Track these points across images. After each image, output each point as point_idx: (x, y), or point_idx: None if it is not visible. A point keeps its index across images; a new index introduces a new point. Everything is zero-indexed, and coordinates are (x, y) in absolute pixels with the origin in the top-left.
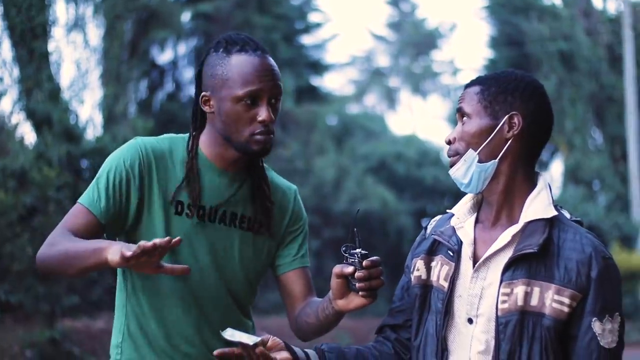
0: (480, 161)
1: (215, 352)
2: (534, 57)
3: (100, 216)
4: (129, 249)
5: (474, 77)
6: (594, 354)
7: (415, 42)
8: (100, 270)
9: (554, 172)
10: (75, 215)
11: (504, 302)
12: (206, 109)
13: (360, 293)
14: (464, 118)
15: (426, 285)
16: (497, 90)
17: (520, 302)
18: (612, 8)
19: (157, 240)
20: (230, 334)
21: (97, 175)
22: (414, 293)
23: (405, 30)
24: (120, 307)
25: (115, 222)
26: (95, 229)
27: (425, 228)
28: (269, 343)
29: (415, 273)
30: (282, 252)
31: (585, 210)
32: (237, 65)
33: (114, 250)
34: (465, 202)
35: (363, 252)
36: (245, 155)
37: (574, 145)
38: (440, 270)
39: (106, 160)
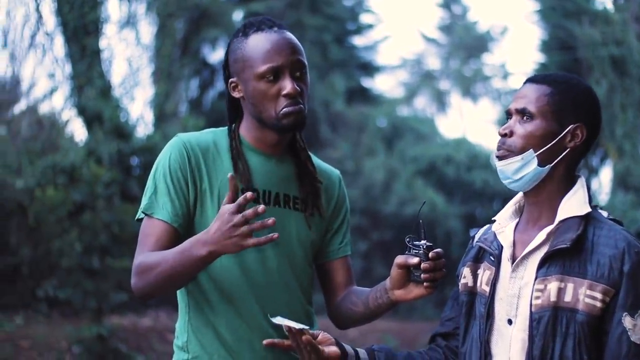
0: (538, 164)
1: (264, 342)
2: (585, 62)
3: (175, 222)
4: (255, 241)
5: (538, 74)
6: (624, 348)
7: (466, 45)
8: (204, 268)
9: (604, 178)
10: (151, 234)
11: (537, 298)
12: (236, 94)
13: (425, 284)
14: (525, 117)
15: (472, 293)
16: (569, 98)
17: (553, 298)
18: None
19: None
20: (280, 320)
21: (153, 182)
22: (461, 300)
23: (457, 33)
24: (183, 306)
25: (186, 223)
26: (176, 238)
27: (473, 237)
28: (319, 337)
29: (462, 281)
30: (327, 239)
31: (634, 217)
32: (254, 44)
33: (225, 248)
34: (507, 208)
35: (428, 243)
36: (281, 132)
37: (624, 151)
38: (483, 276)
39: (156, 164)
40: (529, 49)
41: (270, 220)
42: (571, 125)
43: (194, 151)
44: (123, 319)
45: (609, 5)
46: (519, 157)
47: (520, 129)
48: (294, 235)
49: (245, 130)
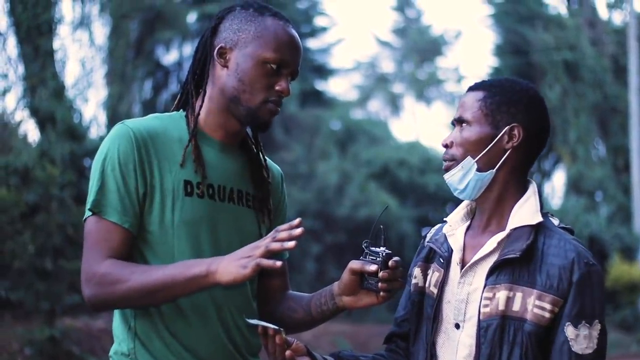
0: (478, 169)
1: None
2: (539, 66)
3: (126, 222)
4: (260, 260)
5: (477, 81)
6: (565, 358)
7: (420, 48)
8: (188, 293)
9: (557, 182)
10: (105, 239)
11: (485, 306)
12: (220, 62)
13: (381, 294)
14: (464, 124)
15: (422, 293)
16: (501, 100)
17: (501, 307)
18: (617, 19)
19: (284, 235)
20: (255, 321)
21: (100, 176)
22: (412, 300)
23: (411, 37)
24: (124, 312)
25: (138, 222)
26: (130, 241)
27: (424, 237)
28: (293, 345)
29: (414, 281)
30: None
31: (586, 221)
32: (272, 27)
33: (225, 270)
34: (459, 210)
35: (387, 251)
36: (249, 123)
37: (577, 155)
38: (432, 277)
39: (102, 154)
40: (483, 52)
41: (292, 244)
42: (507, 127)
43: (144, 140)
44: (76, 321)
45: (563, 11)
46: (459, 167)
47: (459, 137)
48: (249, 235)
49: (204, 113)
